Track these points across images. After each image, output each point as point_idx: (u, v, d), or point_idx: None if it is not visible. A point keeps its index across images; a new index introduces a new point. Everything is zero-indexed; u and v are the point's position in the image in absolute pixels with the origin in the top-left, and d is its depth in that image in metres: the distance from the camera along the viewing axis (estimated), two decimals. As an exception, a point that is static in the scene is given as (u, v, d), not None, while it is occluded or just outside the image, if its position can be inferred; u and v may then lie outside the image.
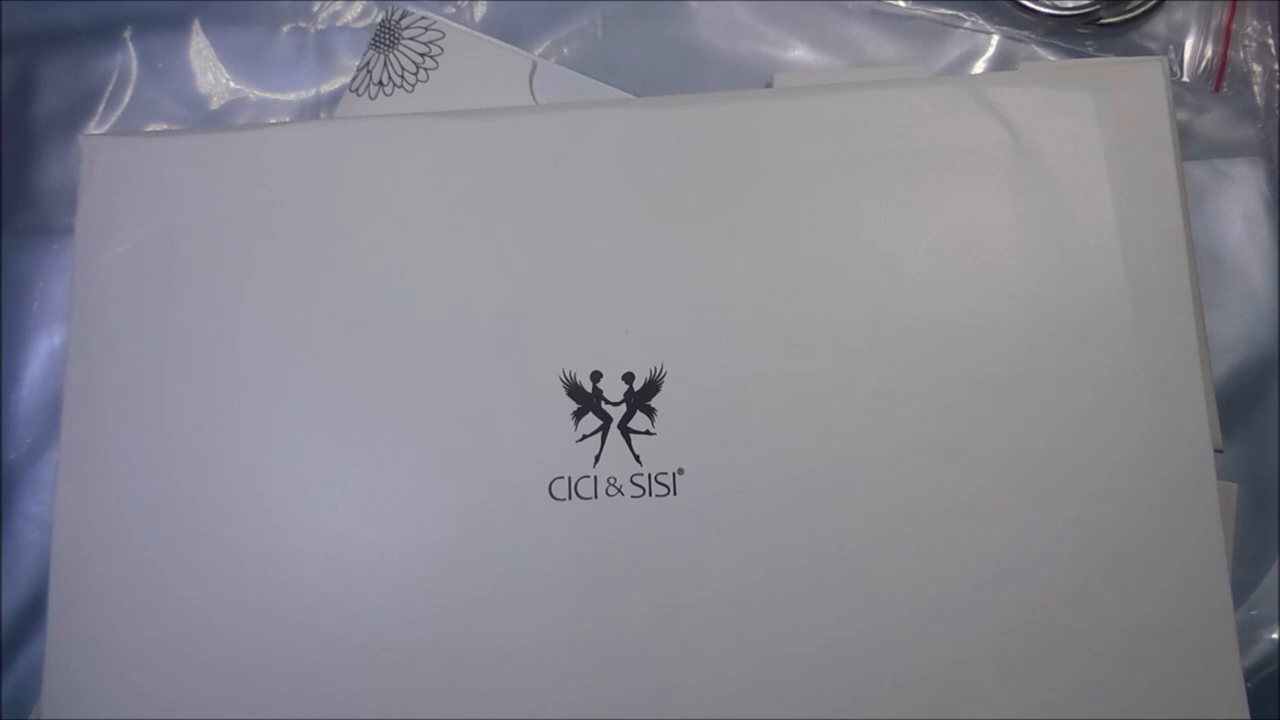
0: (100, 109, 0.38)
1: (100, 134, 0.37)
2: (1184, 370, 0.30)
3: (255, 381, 0.31)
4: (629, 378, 0.31)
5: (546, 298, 0.31)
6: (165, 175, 0.33)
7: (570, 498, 0.30)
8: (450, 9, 0.37)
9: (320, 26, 0.38)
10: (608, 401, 0.31)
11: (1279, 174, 0.35)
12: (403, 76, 0.35)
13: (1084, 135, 0.31)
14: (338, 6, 0.38)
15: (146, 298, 0.32)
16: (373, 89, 0.35)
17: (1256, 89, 0.36)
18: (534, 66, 0.35)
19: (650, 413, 0.31)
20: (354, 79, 0.36)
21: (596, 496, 0.30)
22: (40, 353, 0.36)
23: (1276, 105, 0.35)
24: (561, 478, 0.30)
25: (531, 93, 0.35)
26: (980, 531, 0.29)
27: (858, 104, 0.32)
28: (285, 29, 0.38)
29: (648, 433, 0.31)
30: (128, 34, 0.38)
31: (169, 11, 0.38)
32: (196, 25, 0.38)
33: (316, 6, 0.38)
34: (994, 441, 0.30)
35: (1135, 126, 0.31)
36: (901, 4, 0.37)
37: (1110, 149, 0.31)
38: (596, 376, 0.31)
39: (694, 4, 0.37)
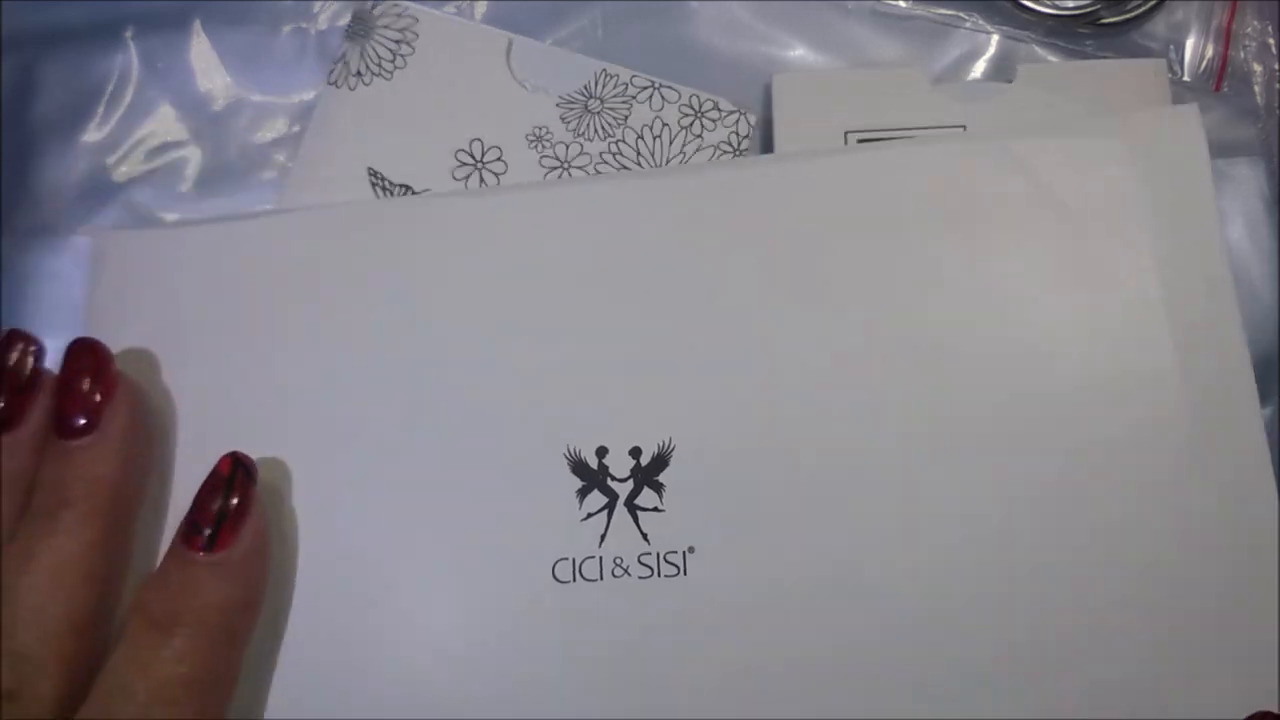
0: (100, 109, 0.38)
1: (109, 228, 0.35)
2: (1245, 426, 0.28)
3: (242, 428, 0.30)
4: (636, 452, 0.29)
5: (548, 371, 0.30)
6: (177, 269, 0.32)
7: (574, 579, 0.29)
8: (450, 8, 0.37)
9: (321, 27, 0.38)
10: (614, 478, 0.29)
11: (1279, 174, 0.35)
12: (379, 65, 0.35)
13: (1121, 186, 0.30)
14: (338, 6, 0.38)
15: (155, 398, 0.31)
16: (350, 80, 0.35)
17: (1257, 89, 0.36)
18: (510, 43, 0.35)
19: (658, 488, 0.29)
20: (331, 72, 0.36)
21: (602, 578, 0.29)
22: (40, 353, 0.36)
23: (1277, 105, 0.35)
24: (565, 559, 0.29)
25: (510, 69, 0.35)
26: (1027, 616, 0.28)
27: (885, 161, 0.31)
28: (286, 29, 0.38)
29: (656, 509, 0.29)
30: (128, 34, 0.38)
31: (169, 11, 0.38)
32: (197, 25, 0.38)
33: (317, 7, 0.38)
34: (1045, 516, 0.28)
35: (1173, 174, 0.30)
36: (901, 4, 0.37)
37: (1148, 200, 0.30)
38: (602, 452, 0.30)
39: (694, 4, 0.37)
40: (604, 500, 0.29)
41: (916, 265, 0.30)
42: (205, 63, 0.38)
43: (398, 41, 0.35)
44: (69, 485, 0.27)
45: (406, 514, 0.30)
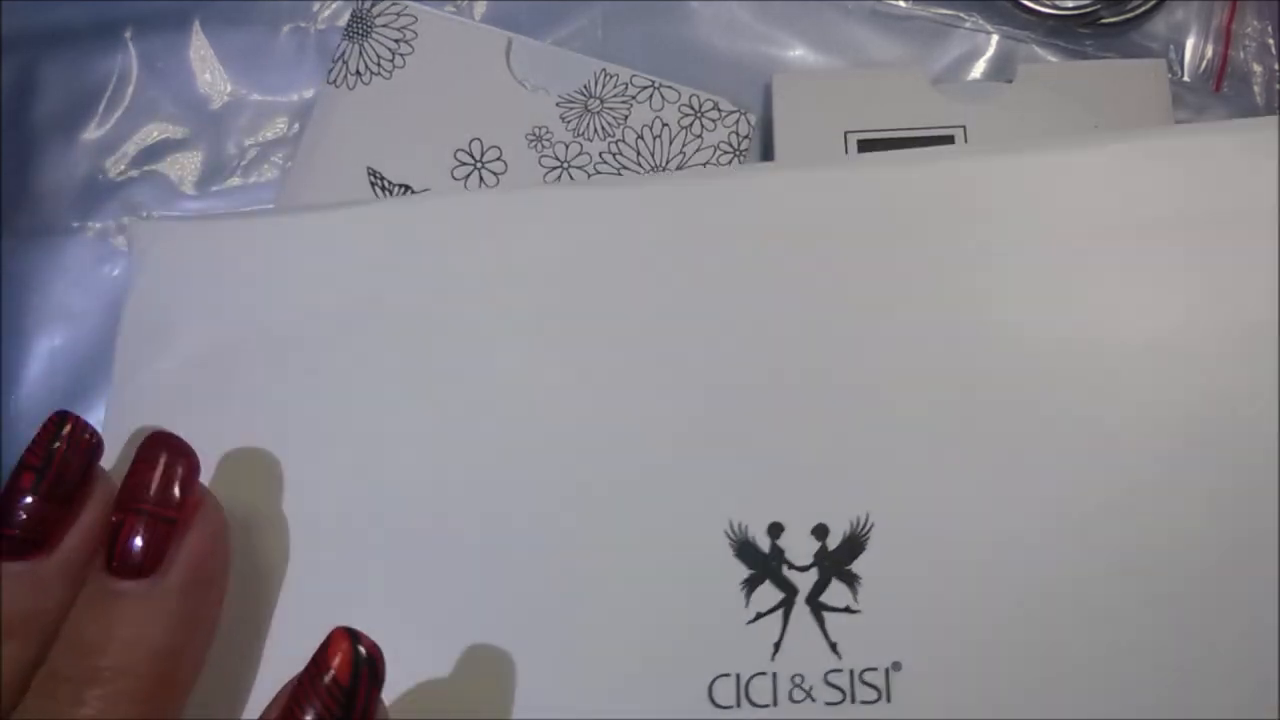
0: (100, 109, 0.38)
1: (149, 218, 0.29)
2: None
3: (339, 524, 0.24)
4: (821, 531, 0.23)
5: (706, 428, 0.24)
6: (229, 268, 0.26)
7: (739, 704, 0.22)
8: (450, 8, 0.37)
9: (320, 27, 0.38)
10: (791, 566, 0.23)
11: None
12: (379, 64, 0.35)
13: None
14: (338, 6, 0.38)
15: (197, 424, 0.23)
16: (350, 79, 0.35)
17: (1257, 89, 0.36)
18: (509, 43, 0.35)
19: (852, 581, 0.23)
20: (330, 71, 0.36)
21: (776, 703, 0.22)
22: (40, 353, 0.36)
23: (1277, 105, 0.35)
24: (727, 675, 0.22)
25: (510, 69, 0.35)
26: None
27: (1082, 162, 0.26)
28: (285, 29, 0.38)
29: (848, 610, 0.23)
30: (128, 34, 0.38)
31: (169, 11, 0.38)
32: (196, 25, 0.38)
33: (316, 6, 0.38)
34: None
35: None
36: (901, 4, 0.37)
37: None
38: (776, 530, 0.23)
39: (694, 4, 0.37)
40: (779, 595, 0.23)
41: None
42: (205, 63, 0.38)
43: (397, 41, 0.36)
44: (105, 649, 0.19)
45: (528, 614, 0.23)
